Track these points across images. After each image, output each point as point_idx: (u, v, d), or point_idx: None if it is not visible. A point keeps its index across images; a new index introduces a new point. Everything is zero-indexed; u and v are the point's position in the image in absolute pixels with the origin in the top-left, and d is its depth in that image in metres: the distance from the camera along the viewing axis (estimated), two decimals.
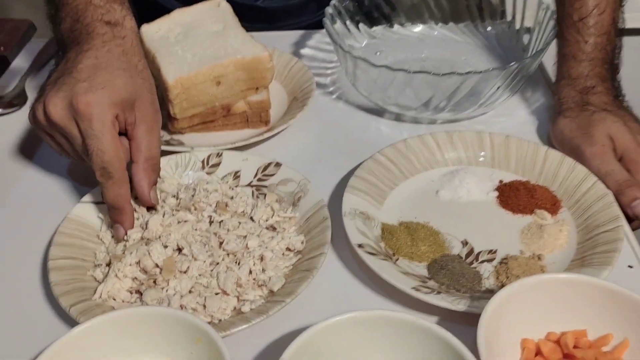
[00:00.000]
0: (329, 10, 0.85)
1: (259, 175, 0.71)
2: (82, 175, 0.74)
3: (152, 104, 0.65)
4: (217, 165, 0.72)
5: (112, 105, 0.61)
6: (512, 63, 0.73)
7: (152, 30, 0.78)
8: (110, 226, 0.65)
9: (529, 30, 0.87)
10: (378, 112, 0.84)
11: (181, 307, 0.57)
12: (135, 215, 0.66)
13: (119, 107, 0.61)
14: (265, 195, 0.69)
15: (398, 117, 0.83)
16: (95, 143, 0.60)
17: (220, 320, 0.57)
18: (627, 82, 0.80)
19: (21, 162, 0.78)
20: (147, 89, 0.65)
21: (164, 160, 0.71)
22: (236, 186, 0.71)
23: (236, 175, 0.71)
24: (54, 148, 0.66)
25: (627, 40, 0.81)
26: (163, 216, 0.64)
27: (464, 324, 0.58)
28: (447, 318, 0.59)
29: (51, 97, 0.61)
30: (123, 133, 0.63)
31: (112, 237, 0.65)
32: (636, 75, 0.94)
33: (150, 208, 0.67)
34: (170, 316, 0.51)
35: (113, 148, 0.60)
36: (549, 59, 0.83)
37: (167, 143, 0.76)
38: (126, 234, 0.63)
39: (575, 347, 0.52)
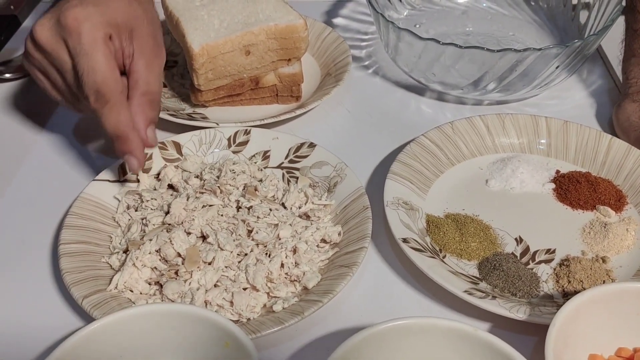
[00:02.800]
0: None
1: (291, 157, 0.64)
2: (100, 147, 0.69)
3: (153, 37, 0.59)
4: (244, 143, 0.66)
5: (104, 23, 0.54)
6: (576, 40, 0.66)
7: None
8: (126, 207, 0.59)
9: (587, 6, 0.79)
10: (419, 89, 0.77)
11: (205, 303, 0.52)
12: (154, 195, 0.60)
13: (113, 29, 0.55)
14: (297, 179, 0.63)
15: (440, 97, 0.76)
16: (86, 61, 0.53)
17: (248, 319, 0.51)
18: None
19: (32, 132, 0.71)
20: (148, 20, 0.58)
21: (186, 137, 0.65)
22: (265, 167, 0.64)
23: (265, 156, 0.65)
24: (46, 88, 0.59)
25: None
26: (187, 199, 0.58)
27: (516, 332, 0.52)
28: (499, 325, 0.53)
29: (39, 20, 0.55)
30: (122, 71, 0.57)
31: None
32: None
33: (171, 187, 0.61)
34: (194, 316, 0.45)
35: (106, 66, 0.53)
36: (607, 39, 0.75)
37: (190, 117, 0.70)
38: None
39: None
